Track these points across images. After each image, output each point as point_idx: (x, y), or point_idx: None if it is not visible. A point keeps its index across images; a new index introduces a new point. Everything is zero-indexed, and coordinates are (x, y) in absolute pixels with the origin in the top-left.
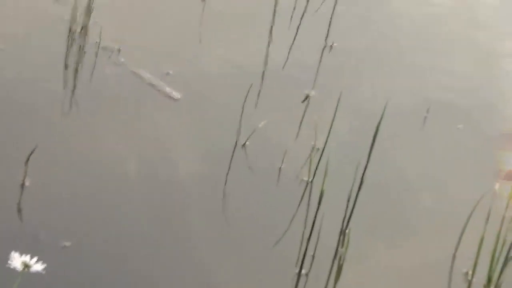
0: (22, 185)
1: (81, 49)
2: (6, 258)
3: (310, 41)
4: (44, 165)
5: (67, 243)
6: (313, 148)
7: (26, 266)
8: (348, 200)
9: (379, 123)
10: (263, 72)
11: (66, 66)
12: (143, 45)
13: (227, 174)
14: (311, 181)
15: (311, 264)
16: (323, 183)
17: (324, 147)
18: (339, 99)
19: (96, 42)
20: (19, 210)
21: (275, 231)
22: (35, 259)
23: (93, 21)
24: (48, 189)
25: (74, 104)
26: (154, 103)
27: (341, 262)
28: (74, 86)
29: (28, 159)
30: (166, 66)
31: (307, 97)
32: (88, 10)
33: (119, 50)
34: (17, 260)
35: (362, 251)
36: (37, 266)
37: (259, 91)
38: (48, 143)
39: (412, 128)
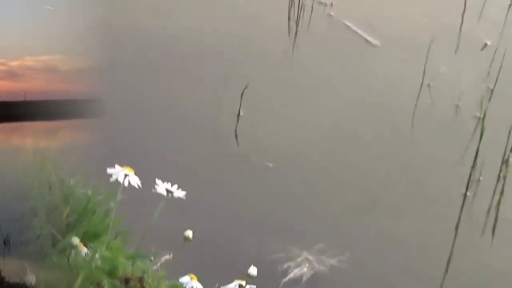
0: (238, 115)
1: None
2: (221, 177)
3: None
4: (255, 99)
5: (270, 164)
6: (487, 88)
7: (169, 192)
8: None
9: None
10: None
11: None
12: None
13: (415, 107)
14: (483, 117)
15: (476, 187)
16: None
17: (494, 87)
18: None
19: None
20: (236, 136)
21: (448, 157)
22: (176, 185)
23: None
24: (258, 119)
25: (295, 47)
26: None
27: (503, 186)
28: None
29: (242, 93)
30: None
31: (485, 45)
32: None
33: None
34: (161, 187)
35: None
36: (179, 193)
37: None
38: (262, 80)
39: None
